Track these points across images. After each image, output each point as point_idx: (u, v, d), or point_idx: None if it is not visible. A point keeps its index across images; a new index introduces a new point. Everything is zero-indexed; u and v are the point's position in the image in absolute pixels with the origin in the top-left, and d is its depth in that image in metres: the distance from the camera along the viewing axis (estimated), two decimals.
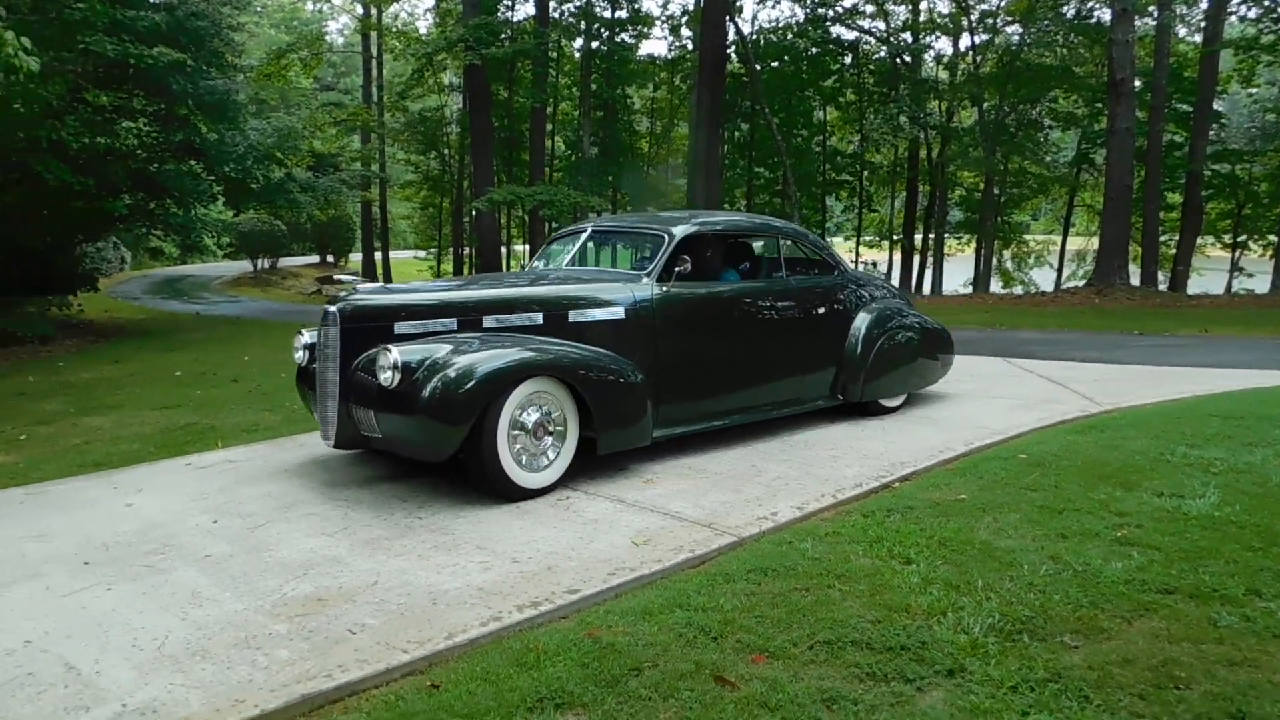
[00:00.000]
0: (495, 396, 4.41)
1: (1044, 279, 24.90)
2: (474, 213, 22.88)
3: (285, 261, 30.53)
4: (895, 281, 25.70)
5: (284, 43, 27.98)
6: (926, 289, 25.19)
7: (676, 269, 5.39)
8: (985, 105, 23.66)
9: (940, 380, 7.23)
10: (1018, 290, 24.23)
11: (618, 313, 5.14)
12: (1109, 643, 3.05)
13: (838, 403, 6.37)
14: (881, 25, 25.83)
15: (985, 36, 24.70)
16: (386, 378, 4.36)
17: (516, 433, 4.58)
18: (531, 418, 4.64)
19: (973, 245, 25.65)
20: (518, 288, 5.14)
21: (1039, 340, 11.47)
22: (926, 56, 27.09)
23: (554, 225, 25.28)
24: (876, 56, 26.26)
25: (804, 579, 3.65)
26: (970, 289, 23.61)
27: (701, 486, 5.00)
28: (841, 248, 29.01)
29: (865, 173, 27.13)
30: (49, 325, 15.96)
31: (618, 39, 24.99)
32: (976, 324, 13.78)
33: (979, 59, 24.90)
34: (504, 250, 25.15)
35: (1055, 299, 19.51)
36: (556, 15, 24.45)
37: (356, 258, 32.73)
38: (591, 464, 5.22)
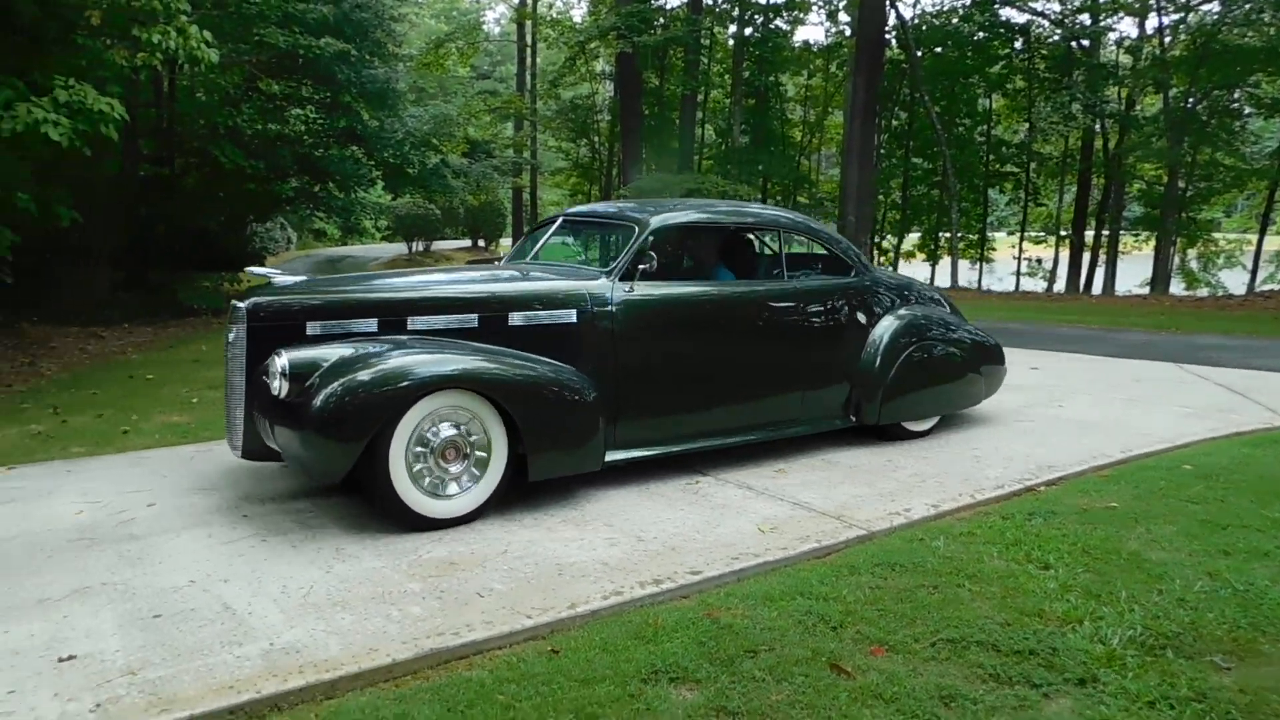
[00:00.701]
0: (393, 411, 3.85)
1: (1235, 281, 23.06)
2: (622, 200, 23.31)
3: (439, 245, 31.98)
4: (1061, 282, 24.42)
5: (442, 33, 29.24)
6: (1097, 288, 23.80)
7: (642, 266, 4.70)
8: (1172, 92, 22.10)
9: (985, 399, 6.21)
10: (1202, 293, 22.55)
11: (569, 316, 4.51)
12: (1267, 668, 2.87)
13: (850, 425, 5.52)
14: (1056, 7, 24.53)
15: (1176, 16, 23.06)
16: (275, 386, 3.92)
17: (421, 452, 4.01)
18: (442, 436, 4.05)
19: (1151, 243, 24.04)
20: (453, 285, 4.54)
21: (1221, 346, 10.68)
22: (1107, 39, 25.54)
23: None
24: (1050, 40, 24.96)
25: (933, 576, 3.60)
26: (1147, 289, 22.16)
27: (833, 478, 4.98)
28: (1004, 243, 27.81)
29: (1032, 164, 25.87)
30: (221, 299, 17.39)
31: (772, 25, 24.78)
32: (1148, 326, 12.95)
33: (1167, 40, 23.27)
34: None
35: (1245, 303, 18.06)
36: (710, 2, 24.49)
37: (508, 242, 33.96)
38: (731, 453, 5.28)
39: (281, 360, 3.90)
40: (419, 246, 31.26)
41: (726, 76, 26.00)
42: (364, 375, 3.84)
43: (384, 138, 18.38)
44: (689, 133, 24.36)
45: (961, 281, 21.99)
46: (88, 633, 3.12)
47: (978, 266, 24.24)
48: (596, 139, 28.15)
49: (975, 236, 25.15)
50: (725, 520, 4.30)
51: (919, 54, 23.11)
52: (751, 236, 5.83)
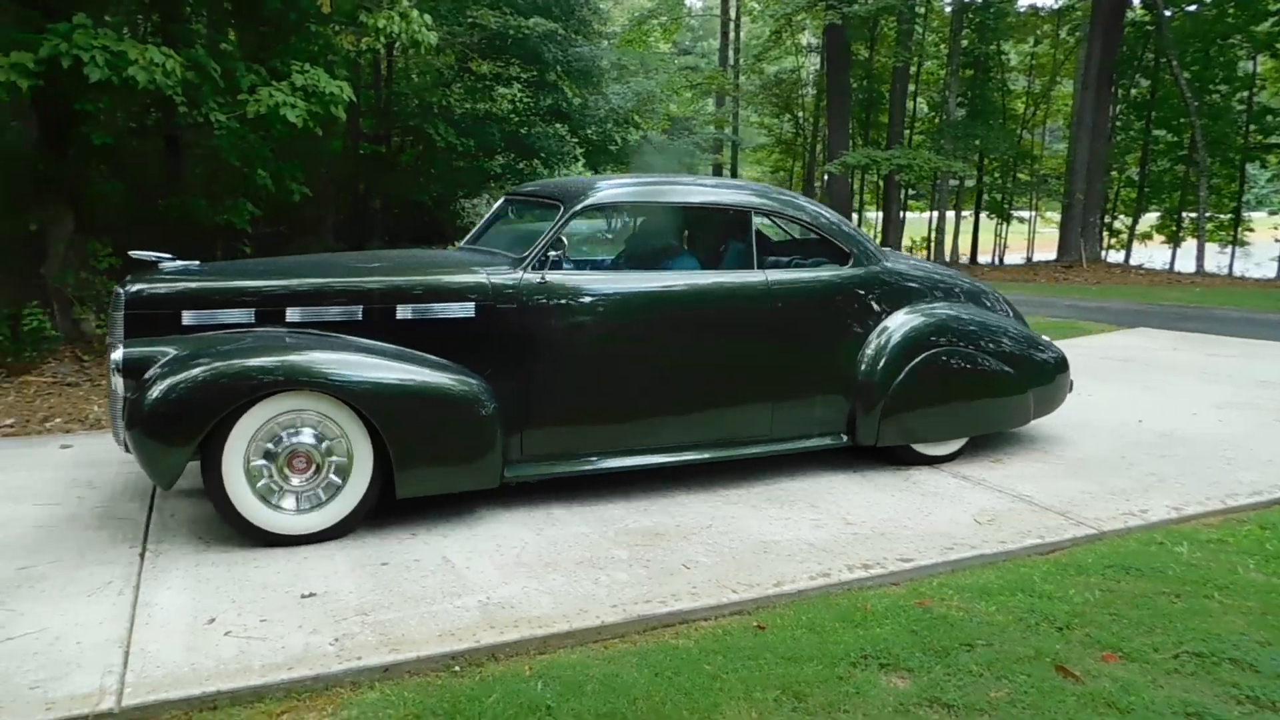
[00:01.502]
0: (225, 413, 3.52)
1: None
2: (825, 177, 22.86)
3: None
4: None
5: (645, 9, 29.68)
6: None
7: (553, 253, 4.12)
8: None
9: (1035, 420, 5.17)
10: None
11: (466, 309, 4.01)
12: None
13: (843, 444, 4.67)
14: None
15: None
16: (112, 382, 3.71)
17: (264, 461, 3.65)
18: (288, 445, 3.66)
19: None
20: (337, 274, 4.08)
21: None
22: None
23: (909, 190, 24.56)
24: None
25: (1175, 584, 3.34)
26: None
27: (1056, 471, 4.72)
28: (1264, 224, 25.08)
29: None
30: None
31: None
32: None
33: None
34: (855, 216, 24.85)
35: None
36: None
37: None
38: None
39: (116, 354, 3.67)
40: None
41: (942, 46, 24.87)
42: (192, 373, 3.51)
43: (588, 115, 18.91)
44: (899, 106, 23.54)
45: (1209, 266, 20.06)
46: (324, 574, 3.44)
47: (1229, 250, 22.02)
48: (800, 114, 27.74)
49: (1227, 217, 22.83)
50: (938, 509, 4.17)
51: (1168, 14, 21.16)
52: (720, 219, 4.88)
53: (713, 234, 5.00)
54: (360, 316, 3.93)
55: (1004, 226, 24.28)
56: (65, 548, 3.65)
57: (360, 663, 2.82)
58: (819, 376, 4.61)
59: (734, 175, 30.82)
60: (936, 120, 24.59)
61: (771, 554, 3.65)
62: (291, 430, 3.67)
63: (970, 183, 24.14)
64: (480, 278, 4.07)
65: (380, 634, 2.98)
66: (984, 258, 23.86)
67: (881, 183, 23.95)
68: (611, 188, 4.57)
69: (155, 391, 3.49)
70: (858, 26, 22.09)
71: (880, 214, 25.27)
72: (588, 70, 18.56)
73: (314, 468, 3.71)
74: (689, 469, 4.50)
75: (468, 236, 5.08)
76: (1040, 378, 5.05)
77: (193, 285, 3.91)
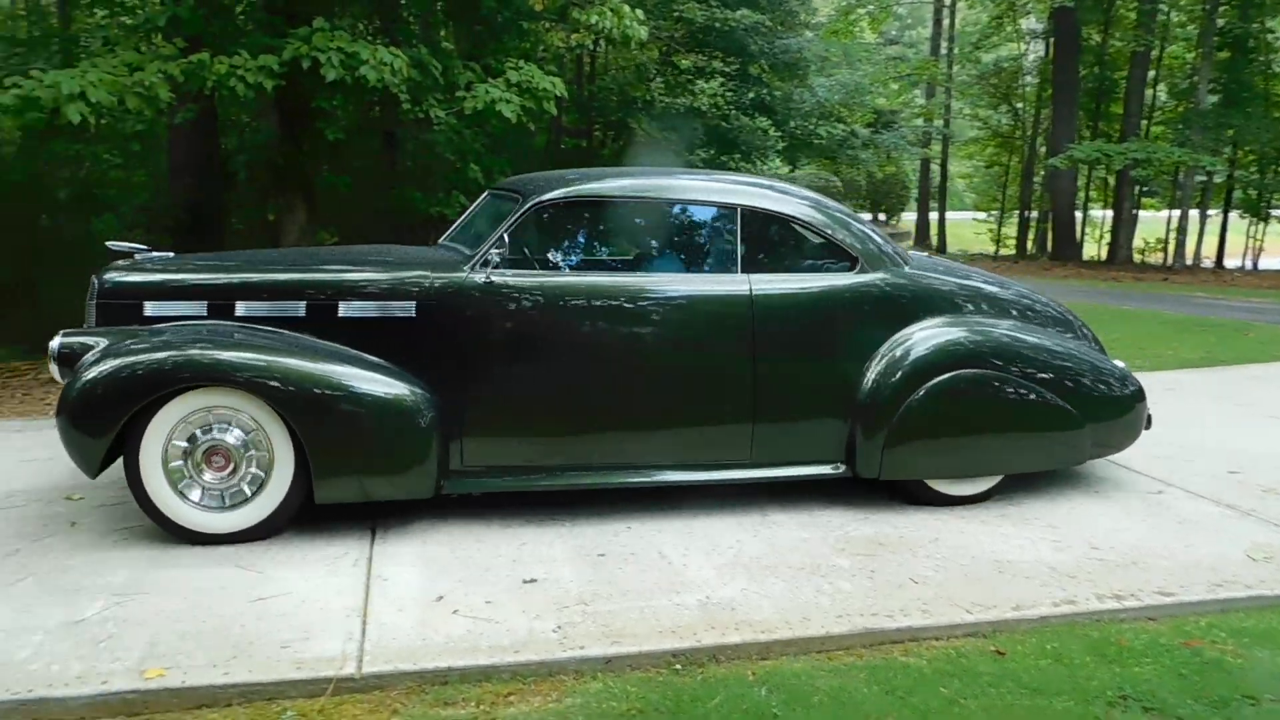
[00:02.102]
0: (139, 407, 3.53)
1: None
2: (1045, 172, 21.57)
3: None
4: None
5: None
6: None
7: (496, 250, 3.90)
8: None
9: (1095, 458, 4.48)
10: None
11: (406, 309, 3.88)
12: None
13: (840, 474, 4.14)
14: None
15: None
16: (50, 369, 3.85)
17: (181, 460, 3.64)
18: (205, 441, 3.64)
19: None
20: (282, 268, 4.07)
21: None
22: None
23: (1142, 187, 22.77)
24: None
25: None
26: None
27: None
28: None
29: None
30: None
31: None
32: None
33: None
34: (1079, 215, 23.34)
35: None
36: None
37: (910, 217, 33.13)
38: (1194, 462, 4.69)
39: (54, 343, 3.79)
40: None
41: (1191, 27, 22.88)
42: (109, 365, 3.54)
43: (791, 108, 18.73)
44: (1137, 94, 21.84)
45: None
46: (543, 561, 3.55)
47: None
48: (1020, 105, 26.31)
49: None
50: (1199, 540, 3.81)
51: None
52: (702, 218, 4.44)
53: (695, 234, 4.53)
54: (303, 313, 3.89)
55: (1259, 227, 22.05)
56: (304, 519, 3.94)
57: (583, 652, 2.88)
58: (810, 396, 4.14)
59: (943, 170, 29.69)
60: (1182, 108, 22.67)
61: (1007, 574, 3.45)
62: (208, 427, 3.65)
63: (1219, 178, 22.10)
64: (424, 276, 3.93)
65: (601, 625, 3.03)
66: (1232, 261, 21.77)
67: (1112, 178, 22.33)
68: (579, 183, 4.26)
69: (77, 382, 3.56)
70: (1090, 9, 20.70)
71: (1109, 212, 23.58)
72: (792, 63, 18.38)
73: (233, 466, 3.67)
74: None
75: (449, 230, 4.80)
76: (1102, 412, 4.31)
77: (154, 278, 3.98)
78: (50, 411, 5.02)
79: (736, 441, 4.06)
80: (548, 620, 3.07)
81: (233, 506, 3.70)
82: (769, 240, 4.33)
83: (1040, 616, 3.15)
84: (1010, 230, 26.26)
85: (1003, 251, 23.79)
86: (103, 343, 3.73)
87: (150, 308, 3.90)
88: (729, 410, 4.05)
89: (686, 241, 4.51)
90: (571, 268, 4.22)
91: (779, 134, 19.59)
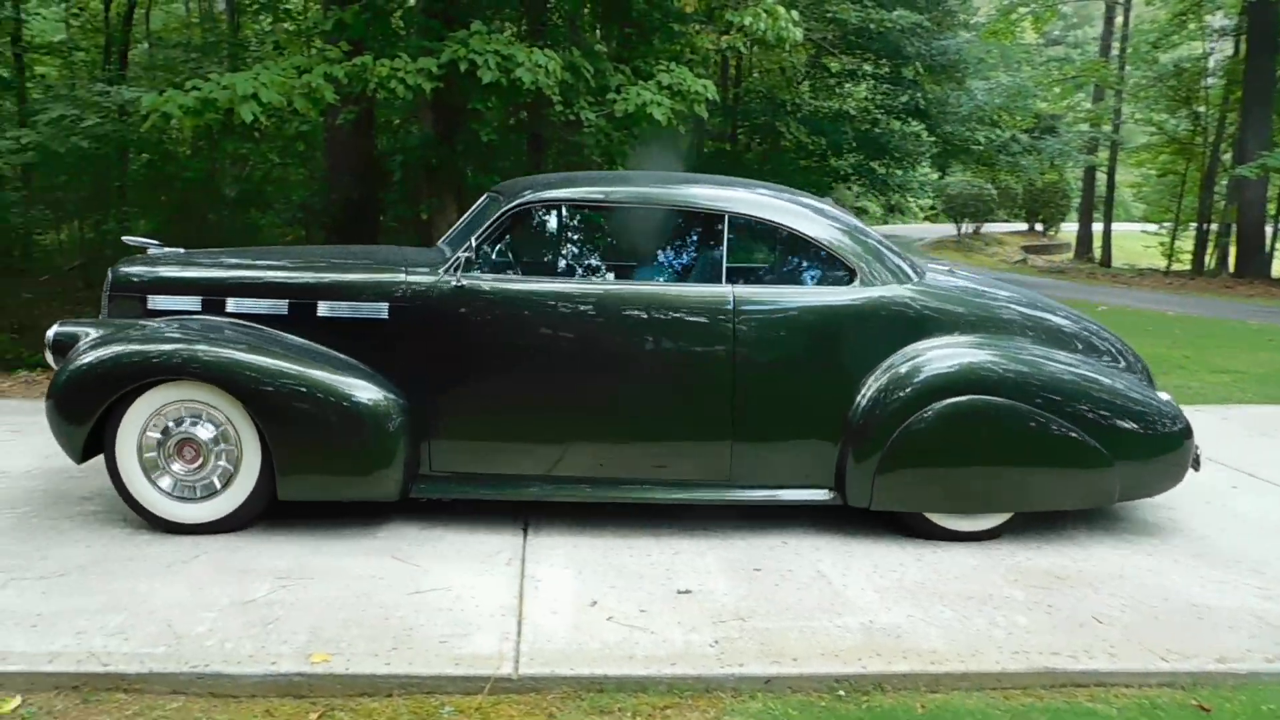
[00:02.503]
0: (116, 396, 3.67)
1: None
2: (1231, 181, 20.21)
3: (990, 227, 30.92)
4: None
5: None
6: None
7: (462, 255, 3.87)
8: None
9: (1127, 500, 4.07)
10: None
11: (379, 310, 3.90)
12: None
13: (829, 502, 3.92)
14: None
15: None
16: (48, 358, 4.02)
17: (154, 451, 3.77)
18: (177, 434, 3.76)
19: None
20: (267, 267, 4.15)
21: None
22: None
23: None
24: None
25: None
26: None
27: None
28: None
29: None
30: None
31: None
32: None
33: None
34: (1270, 230, 21.72)
35: None
36: None
37: (1070, 228, 31.66)
38: None
39: (50, 331, 3.96)
40: (968, 228, 30.54)
41: None
42: (89, 358, 3.69)
43: (948, 112, 18.20)
44: None
45: None
46: (696, 571, 3.51)
47: None
48: (1202, 109, 24.76)
49: None
50: None
51: None
52: (686, 224, 4.34)
53: (680, 242, 4.45)
54: (285, 311, 3.96)
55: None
56: (457, 514, 4.03)
57: (742, 670, 2.82)
58: (796, 416, 3.93)
59: (1110, 179, 28.24)
60: None
61: (1206, 621, 3.20)
62: (180, 420, 3.76)
63: None
64: (397, 278, 3.94)
65: (760, 642, 2.96)
66: None
67: None
68: (561, 187, 4.21)
69: (63, 371, 3.73)
70: None
71: None
72: (949, 65, 17.85)
73: (202, 459, 3.77)
74: (1097, 513, 4.10)
75: (449, 231, 4.70)
76: (1136, 451, 3.91)
77: (160, 273, 4.13)
78: None
79: (714, 459, 3.92)
80: (704, 633, 3.02)
81: (203, 498, 3.81)
82: (758, 249, 4.29)
83: (1249, 672, 2.90)
84: (1185, 244, 24.76)
85: (1176, 267, 22.39)
86: (93, 334, 3.89)
87: (153, 301, 4.06)
88: (706, 426, 3.91)
89: (670, 249, 4.46)
90: (548, 273, 4.24)
91: (932, 139, 19.08)
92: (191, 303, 4.04)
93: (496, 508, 4.04)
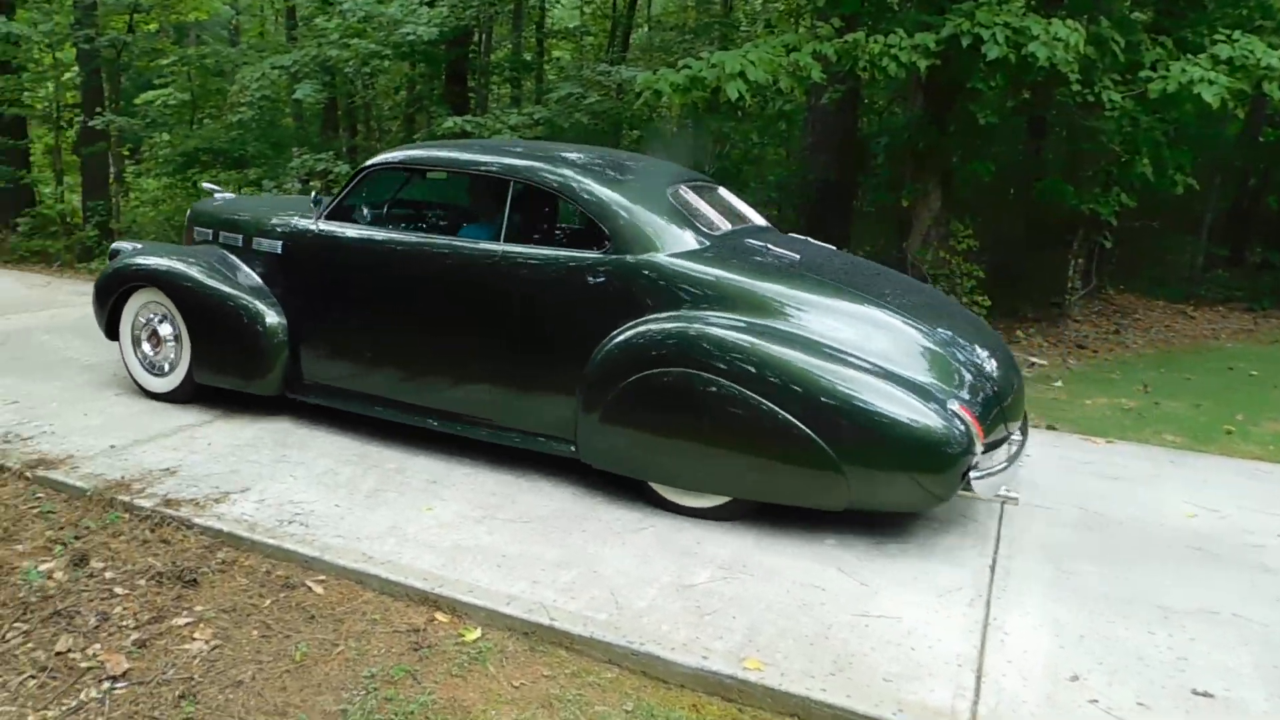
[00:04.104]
0: (119, 294, 5.16)
1: None
2: None
3: None
4: None
5: None
6: None
7: (336, 204, 4.80)
8: None
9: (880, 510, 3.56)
10: None
11: (275, 247, 4.96)
12: None
13: (572, 454, 4.01)
14: None
15: None
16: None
17: (138, 335, 5.20)
18: (152, 326, 5.12)
19: None
20: (244, 211, 5.32)
21: None
22: None
23: None
24: None
25: None
26: None
27: None
28: None
29: None
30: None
31: None
32: None
33: None
34: None
35: None
36: None
37: None
38: None
39: (114, 244, 5.75)
40: None
41: None
42: (112, 265, 5.27)
43: None
44: None
45: None
46: (1219, 670, 2.82)
47: None
48: None
49: None
50: None
51: None
52: (491, 186, 4.61)
53: (479, 201, 5.07)
54: (240, 244, 5.13)
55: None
56: (916, 533, 3.69)
57: None
58: (544, 369, 4.17)
59: None
60: None
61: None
62: (150, 317, 5.14)
63: None
64: (289, 222, 4.94)
65: None
66: None
67: None
68: (400, 151, 4.89)
69: (99, 275, 5.42)
70: None
71: None
72: None
73: (160, 347, 5.13)
74: None
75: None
76: (876, 460, 3.48)
77: (199, 212, 5.57)
78: None
79: (485, 400, 4.33)
80: None
81: (159, 375, 5.18)
82: (533, 211, 4.76)
83: None
84: None
85: None
86: (128, 249, 5.41)
87: (196, 233, 5.44)
88: (478, 369, 4.34)
89: (473, 207, 5.20)
90: (377, 223, 4.84)
91: None
92: (208, 234, 5.35)
93: (956, 536, 3.64)
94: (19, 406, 4.96)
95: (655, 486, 3.93)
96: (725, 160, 10.52)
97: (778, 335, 3.67)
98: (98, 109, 12.47)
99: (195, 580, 3.29)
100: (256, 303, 4.82)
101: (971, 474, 3.49)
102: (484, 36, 12.93)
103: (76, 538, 3.56)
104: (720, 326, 3.71)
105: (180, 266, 4.97)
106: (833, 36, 6.93)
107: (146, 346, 5.16)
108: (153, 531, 3.62)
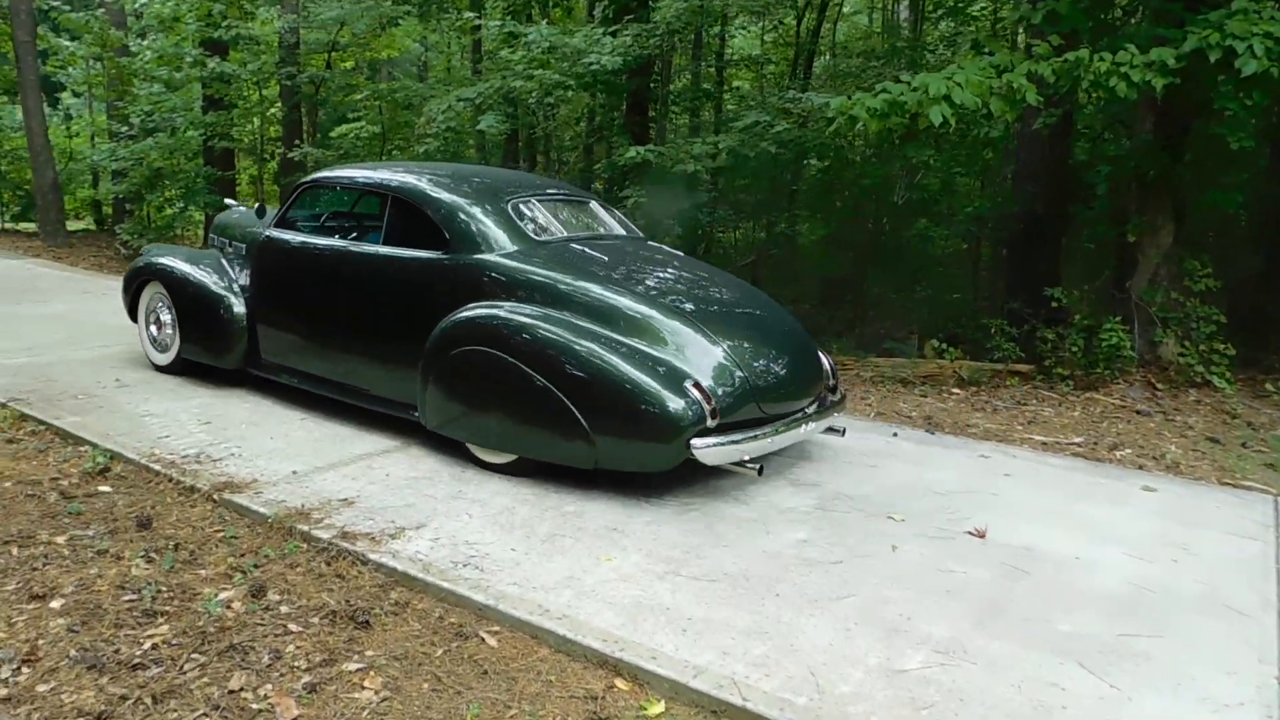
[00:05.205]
0: (136, 286, 6.49)
1: None
2: None
3: None
4: None
5: None
6: None
7: (278, 213, 5.98)
8: None
9: (609, 467, 4.25)
10: None
11: (240, 250, 6.10)
12: None
13: (417, 418, 4.90)
14: None
15: None
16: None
17: (148, 317, 6.45)
18: (157, 312, 6.38)
19: None
20: (238, 223, 6.38)
21: None
22: None
23: None
24: None
25: None
26: None
27: None
28: None
29: None
30: None
31: None
32: None
33: None
34: None
35: None
36: None
37: None
38: None
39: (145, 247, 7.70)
40: None
41: None
42: (133, 264, 6.72)
43: None
44: None
45: None
46: None
47: None
48: None
49: None
50: None
51: None
52: (379, 201, 5.56)
53: (374, 211, 5.86)
54: (228, 246, 6.21)
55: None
56: (1163, 623, 3.20)
57: None
58: (402, 348, 4.97)
59: None
60: None
61: None
62: (156, 306, 6.34)
63: None
64: (253, 229, 5.98)
65: None
66: None
67: None
68: (322, 173, 6.18)
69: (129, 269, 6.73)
70: None
71: None
72: None
73: (162, 328, 6.29)
74: None
75: None
76: (614, 428, 4.21)
77: (217, 221, 6.66)
78: None
79: (370, 376, 5.25)
80: None
81: (163, 351, 6.34)
82: (401, 219, 5.26)
83: None
84: None
85: None
86: (153, 250, 6.71)
87: (212, 239, 6.57)
88: (361, 348, 5.31)
89: (370, 217, 5.97)
90: (311, 231, 5.87)
91: None
92: (218, 241, 6.42)
93: (1222, 634, 3.13)
94: (211, 427, 5.11)
95: (470, 446, 4.71)
96: (920, 190, 10.03)
97: (556, 321, 4.45)
98: (296, 141, 13.20)
99: (368, 622, 3.18)
100: (227, 295, 5.91)
101: (693, 440, 4.06)
102: (663, 66, 12.94)
103: (256, 566, 3.54)
104: (513, 313, 4.55)
105: (175, 265, 6.25)
106: (1050, 55, 6.43)
107: (153, 328, 6.40)
108: (329, 565, 3.56)
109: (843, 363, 7.67)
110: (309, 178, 5.98)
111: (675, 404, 4.07)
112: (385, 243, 5.20)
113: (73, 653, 2.95)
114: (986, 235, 9.81)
